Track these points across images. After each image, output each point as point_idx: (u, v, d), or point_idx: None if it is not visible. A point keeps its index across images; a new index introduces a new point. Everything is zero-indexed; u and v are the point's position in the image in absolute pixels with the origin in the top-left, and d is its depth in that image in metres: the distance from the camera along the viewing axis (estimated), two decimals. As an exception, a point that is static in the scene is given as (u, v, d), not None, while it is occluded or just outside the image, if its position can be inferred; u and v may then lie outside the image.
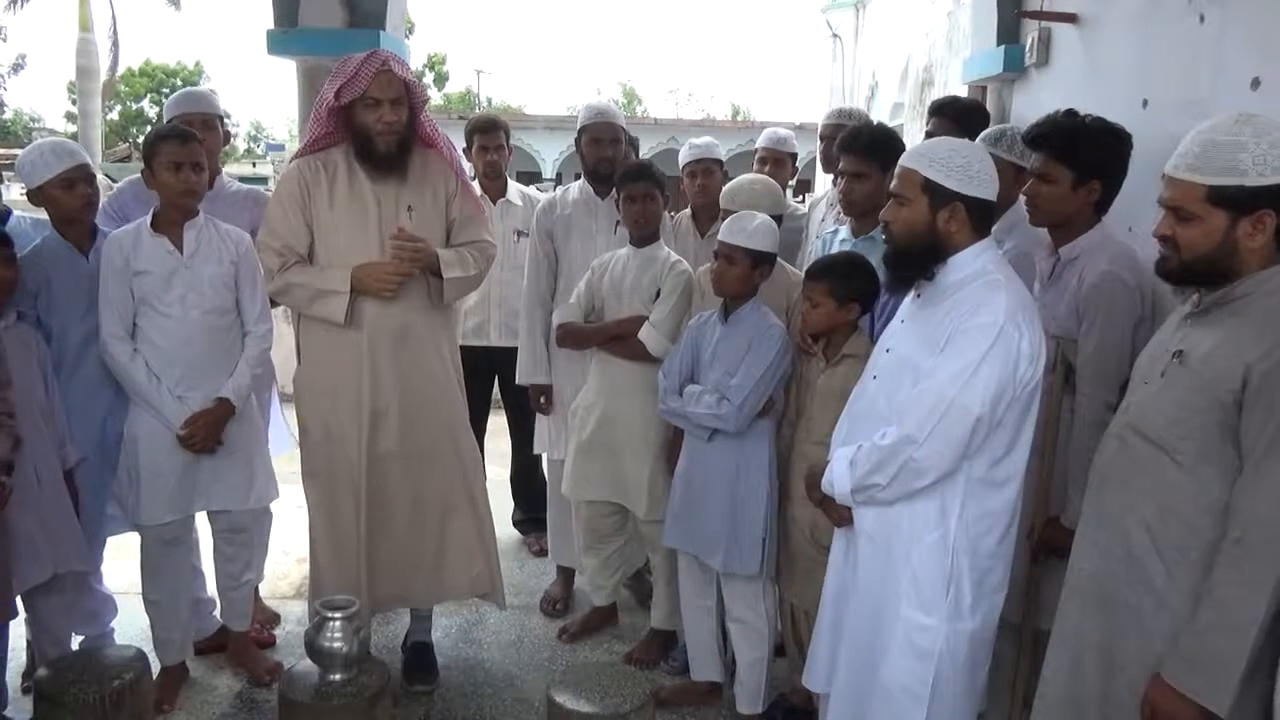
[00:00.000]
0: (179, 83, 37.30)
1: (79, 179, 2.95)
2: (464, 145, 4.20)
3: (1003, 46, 4.18)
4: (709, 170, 3.75)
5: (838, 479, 2.19)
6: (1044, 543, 2.52)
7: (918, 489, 2.08)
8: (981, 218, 2.13)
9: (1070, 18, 3.70)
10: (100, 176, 3.91)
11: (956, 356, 2.02)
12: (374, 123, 2.84)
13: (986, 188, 2.12)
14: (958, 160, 2.09)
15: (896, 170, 2.17)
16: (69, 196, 2.94)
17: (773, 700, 3.07)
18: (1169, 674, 1.73)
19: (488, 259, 3.11)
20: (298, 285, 2.89)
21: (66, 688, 2.43)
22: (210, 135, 3.37)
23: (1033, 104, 3.97)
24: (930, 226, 2.11)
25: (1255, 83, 2.50)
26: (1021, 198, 2.68)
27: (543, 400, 3.81)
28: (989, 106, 4.29)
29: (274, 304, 3.25)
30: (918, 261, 2.16)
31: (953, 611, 2.10)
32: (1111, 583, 1.90)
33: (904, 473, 2.06)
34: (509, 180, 4.37)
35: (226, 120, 3.63)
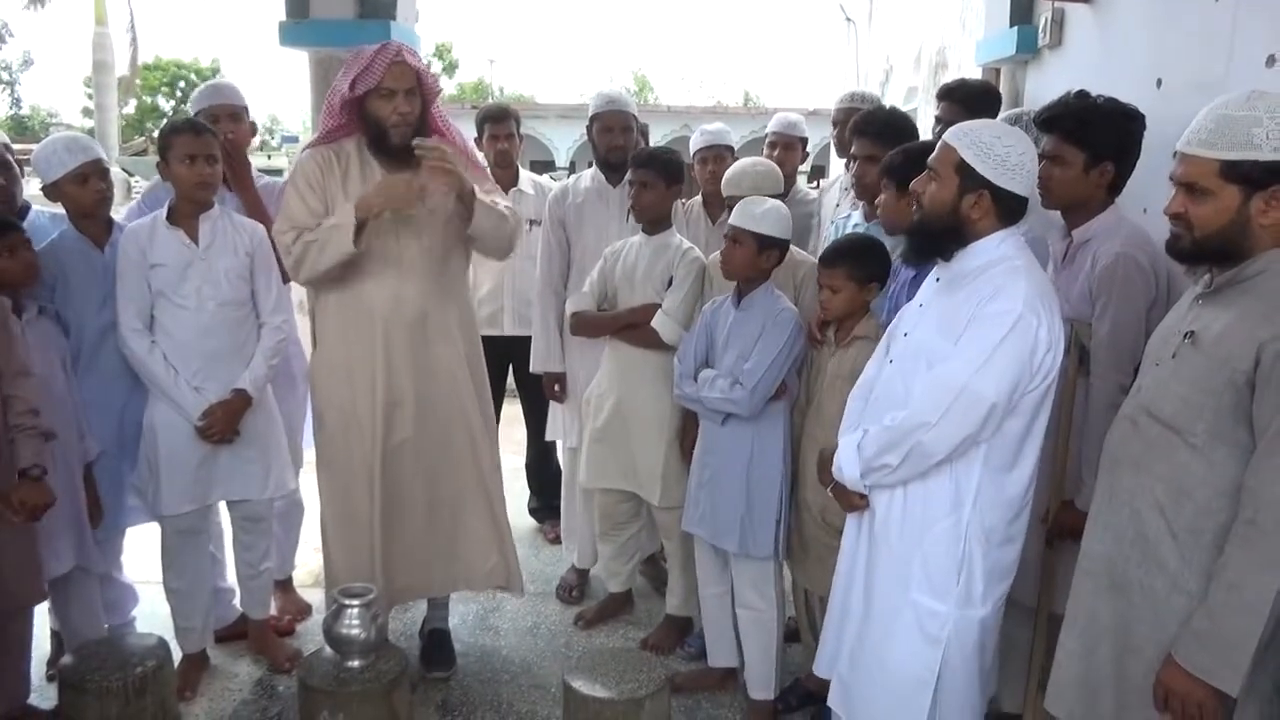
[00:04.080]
0: (193, 76, 37.39)
1: (92, 174, 2.97)
2: (475, 135, 4.20)
3: (1016, 28, 4.15)
4: (720, 157, 3.75)
5: (846, 464, 2.19)
6: (1058, 526, 2.51)
7: (926, 469, 2.09)
8: (1010, 209, 2.09)
9: (1084, -3, 3.66)
10: (115, 170, 3.94)
11: (973, 343, 2.01)
12: (388, 114, 2.84)
13: (1020, 181, 2.06)
14: (998, 148, 2.04)
15: (939, 143, 2.14)
16: (83, 191, 2.97)
17: (788, 686, 3.08)
18: (1180, 654, 1.73)
19: (515, 217, 3.09)
20: (311, 242, 2.81)
21: (90, 675, 2.47)
22: (238, 127, 3.37)
23: (1046, 85, 3.94)
24: (954, 208, 2.08)
25: (1270, 60, 2.48)
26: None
27: (557, 388, 3.82)
28: (1002, 88, 4.25)
29: (286, 280, 3.25)
30: (936, 240, 2.15)
31: (963, 598, 2.10)
32: (1124, 565, 1.89)
33: (914, 454, 2.06)
34: (520, 169, 4.38)
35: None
